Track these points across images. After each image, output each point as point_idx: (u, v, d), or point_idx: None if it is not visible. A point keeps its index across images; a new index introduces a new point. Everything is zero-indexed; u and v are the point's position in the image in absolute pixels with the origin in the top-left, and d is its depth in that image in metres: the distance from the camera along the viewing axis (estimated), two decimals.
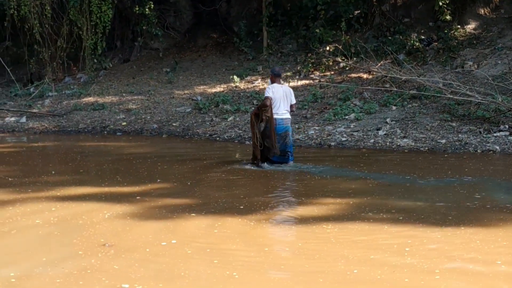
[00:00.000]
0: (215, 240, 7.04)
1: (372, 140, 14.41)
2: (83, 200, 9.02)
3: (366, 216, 7.93)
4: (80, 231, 7.36)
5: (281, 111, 11.87)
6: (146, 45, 25.68)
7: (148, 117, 18.80)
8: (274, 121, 11.72)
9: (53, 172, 11.72)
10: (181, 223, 7.70)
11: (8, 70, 23.78)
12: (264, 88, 19.49)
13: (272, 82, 12.12)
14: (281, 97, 11.86)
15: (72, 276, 5.87)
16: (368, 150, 13.76)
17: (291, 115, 12.27)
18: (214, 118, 17.79)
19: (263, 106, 11.73)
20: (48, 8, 23.04)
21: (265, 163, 11.81)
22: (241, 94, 19.30)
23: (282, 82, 12.24)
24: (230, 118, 17.47)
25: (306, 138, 15.10)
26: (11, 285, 5.64)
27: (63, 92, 22.56)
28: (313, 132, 15.43)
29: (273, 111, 11.73)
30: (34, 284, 5.66)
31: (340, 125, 15.62)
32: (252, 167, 11.65)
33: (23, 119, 19.91)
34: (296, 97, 18.16)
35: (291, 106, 12.11)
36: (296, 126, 15.94)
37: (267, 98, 11.71)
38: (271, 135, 11.70)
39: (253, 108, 12.08)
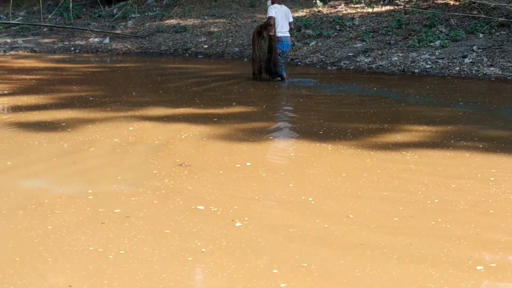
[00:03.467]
0: (291, 164, 6.92)
1: (457, 68, 13.93)
2: (160, 121, 9.00)
3: (448, 144, 7.65)
4: (156, 151, 7.35)
5: (284, 29, 12.57)
6: None
7: (230, 41, 18.63)
8: (280, 39, 12.44)
9: (133, 93, 11.76)
10: (256, 146, 7.59)
11: None
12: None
13: (273, 2, 12.63)
14: (282, 16, 12.53)
15: (146, 195, 5.86)
16: (453, 78, 13.32)
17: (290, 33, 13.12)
18: (296, 43, 17.46)
19: (267, 25, 12.43)
20: None
21: (274, 76, 12.74)
22: (324, 19, 18.88)
23: (281, 3, 12.90)
24: (312, 43, 17.16)
25: (389, 64, 14.71)
26: (88, 202, 5.69)
27: (146, 14, 22.55)
28: (396, 58, 15.02)
29: (277, 30, 12.41)
30: (109, 202, 5.68)
31: (424, 52, 15.14)
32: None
33: (106, 40, 20.02)
34: (379, 22, 17.82)
35: (290, 24, 12.79)
36: (379, 53, 15.55)
37: (271, 17, 12.36)
38: (273, 52, 12.42)
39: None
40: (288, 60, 13.53)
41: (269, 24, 12.36)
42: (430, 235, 4.90)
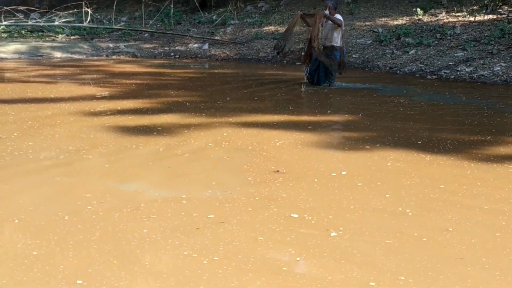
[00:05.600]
0: (388, 174, 6.76)
1: None
2: (255, 127, 8.99)
3: None
4: (250, 158, 7.32)
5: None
6: None
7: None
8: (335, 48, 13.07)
9: (228, 99, 11.81)
10: (353, 155, 7.47)
11: None
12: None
13: (332, 14, 12.94)
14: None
15: (240, 201, 5.82)
16: None
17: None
18: (395, 51, 17.26)
19: (327, 18, 12.81)
20: None
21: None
22: (424, 27, 18.55)
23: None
24: (412, 52, 16.88)
25: (491, 74, 14.31)
26: (183, 206, 5.70)
27: (245, 21, 22.70)
28: (499, 68, 14.59)
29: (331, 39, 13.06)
30: (204, 207, 5.67)
31: None
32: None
33: (206, 46, 20.27)
34: (482, 31, 17.35)
35: None
36: (481, 62, 15.14)
37: (341, 20, 12.97)
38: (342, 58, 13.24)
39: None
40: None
41: (336, 22, 12.74)
42: None
